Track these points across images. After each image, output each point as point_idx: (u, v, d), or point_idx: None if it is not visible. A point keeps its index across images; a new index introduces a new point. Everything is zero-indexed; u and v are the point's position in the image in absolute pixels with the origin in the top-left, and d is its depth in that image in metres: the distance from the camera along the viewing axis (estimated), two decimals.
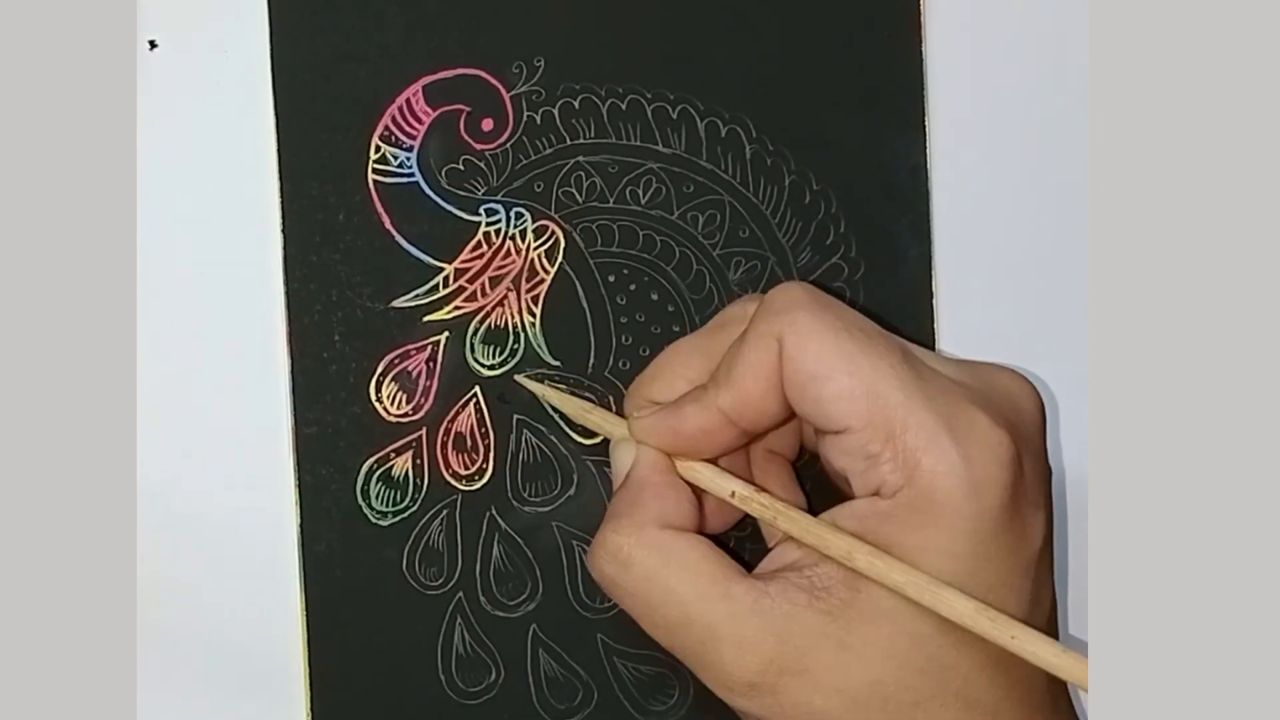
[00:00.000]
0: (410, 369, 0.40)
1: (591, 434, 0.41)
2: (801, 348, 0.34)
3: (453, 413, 0.40)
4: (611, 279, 0.41)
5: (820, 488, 0.39)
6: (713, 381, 0.36)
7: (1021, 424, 0.35)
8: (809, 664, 0.33)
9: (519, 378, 0.40)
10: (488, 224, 0.41)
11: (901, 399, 0.33)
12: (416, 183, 0.40)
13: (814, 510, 0.36)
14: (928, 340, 0.43)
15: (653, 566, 0.35)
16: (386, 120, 0.40)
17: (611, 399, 0.41)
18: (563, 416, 0.41)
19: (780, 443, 0.39)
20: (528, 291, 0.41)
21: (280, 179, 0.40)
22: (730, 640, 0.34)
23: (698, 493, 0.37)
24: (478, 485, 0.41)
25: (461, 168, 0.40)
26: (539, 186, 0.41)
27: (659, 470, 0.37)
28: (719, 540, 0.36)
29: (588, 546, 0.40)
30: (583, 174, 0.41)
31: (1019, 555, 0.34)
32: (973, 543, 0.33)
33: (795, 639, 0.33)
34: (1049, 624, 0.35)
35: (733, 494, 0.36)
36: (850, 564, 0.33)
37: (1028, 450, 0.34)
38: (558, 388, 0.40)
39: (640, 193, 0.41)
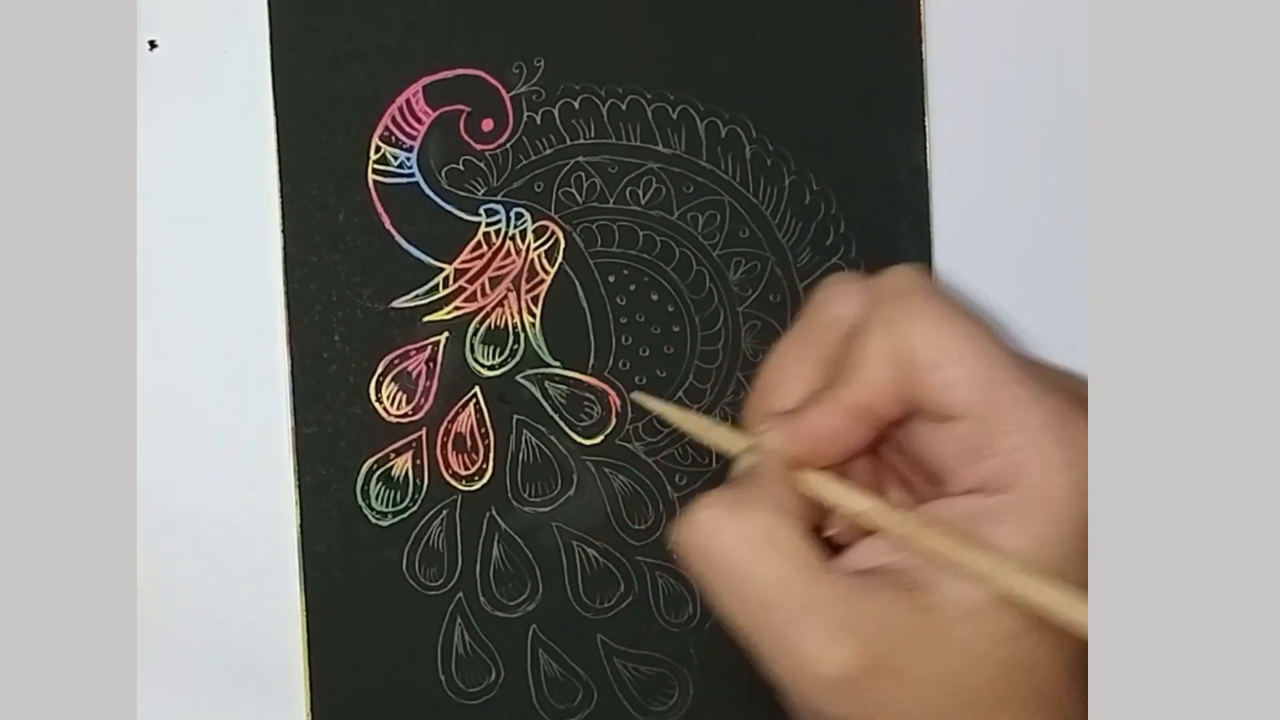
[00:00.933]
0: (410, 369, 0.40)
1: (592, 434, 0.41)
2: (922, 333, 0.33)
3: (453, 413, 0.40)
4: (611, 279, 0.41)
5: None
6: (840, 379, 0.35)
7: None
8: (900, 661, 0.32)
9: (637, 397, 0.40)
10: (488, 224, 0.41)
11: (1016, 394, 0.33)
12: (416, 183, 0.40)
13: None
14: None
15: (743, 539, 0.33)
16: (386, 120, 0.40)
17: (613, 398, 0.41)
18: (563, 416, 0.41)
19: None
20: (528, 292, 0.41)
21: (280, 179, 0.40)
22: (817, 630, 0.32)
23: (817, 506, 0.35)
24: (478, 485, 0.41)
25: (461, 168, 0.40)
26: (539, 187, 0.41)
27: (774, 466, 0.35)
28: None
29: (588, 547, 0.40)
30: (583, 174, 0.41)
31: None
32: (1078, 543, 0.32)
33: (888, 635, 0.32)
34: None
35: (860, 513, 0.34)
36: (993, 583, 0.32)
37: None
38: (679, 406, 0.40)
39: (640, 193, 0.41)
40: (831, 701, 0.33)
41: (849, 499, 0.35)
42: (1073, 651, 0.33)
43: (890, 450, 0.37)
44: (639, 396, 0.40)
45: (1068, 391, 0.34)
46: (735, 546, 0.33)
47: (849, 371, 0.34)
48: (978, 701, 0.32)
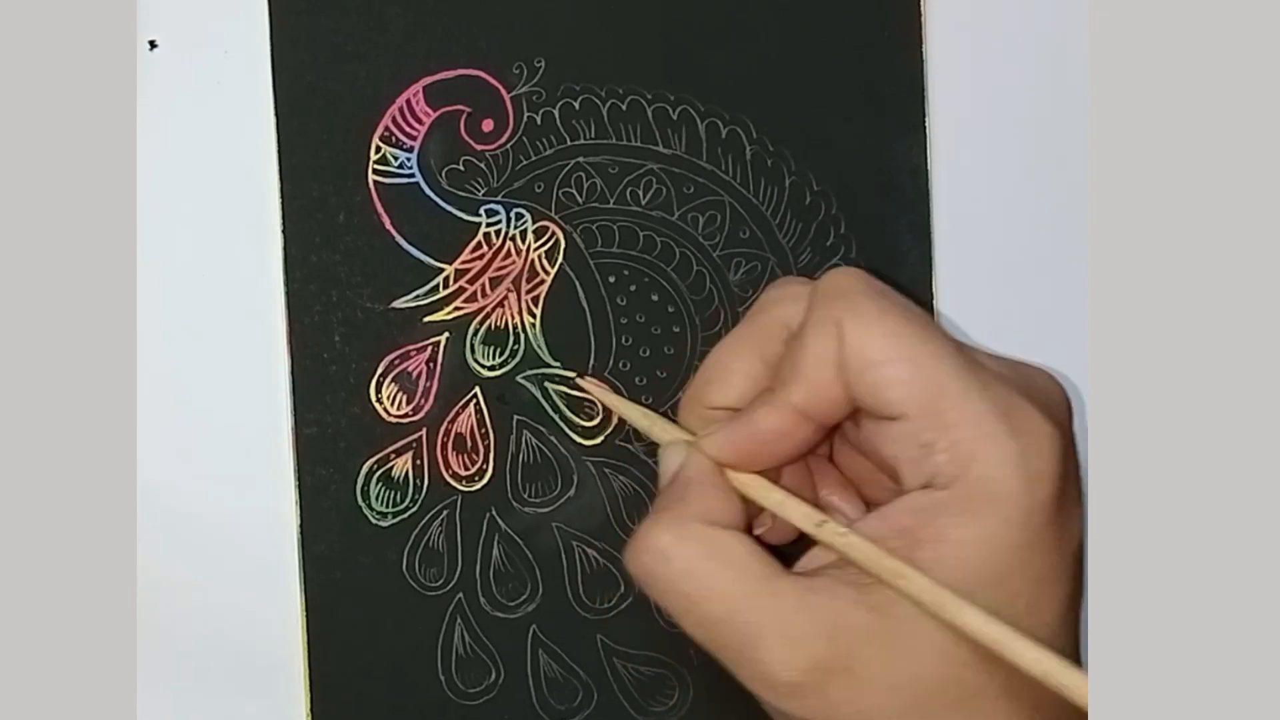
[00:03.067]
0: (410, 370, 0.40)
1: (592, 435, 0.41)
2: (862, 332, 0.34)
3: (453, 413, 0.40)
4: (612, 280, 0.41)
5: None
6: (779, 380, 0.35)
7: (1062, 420, 0.35)
8: (856, 662, 0.33)
9: (583, 383, 0.40)
10: (488, 225, 0.41)
11: (960, 388, 0.33)
12: (417, 183, 0.40)
13: (865, 501, 0.35)
14: None
15: (695, 561, 0.34)
16: (387, 121, 0.40)
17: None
18: (563, 417, 0.41)
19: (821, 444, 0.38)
20: (528, 292, 0.41)
21: (280, 179, 0.40)
22: (776, 637, 0.33)
23: (749, 504, 0.36)
24: (478, 486, 0.41)
25: (462, 168, 0.40)
26: (539, 187, 0.41)
27: (704, 471, 0.36)
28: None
29: (588, 547, 0.40)
30: (583, 175, 0.41)
31: (1063, 550, 0.33)
32: (1026, 534, 0.32)
33: (844, 636, 0.33)
34: (1080, 619, 0.35)
35: (819, 525, 0.34)
36: (919, 603, 0.32)
37: (1070, 446, 0.34)
38: (623, 396, 0.40)
39: (640, 193, 0.41)
40: (794, 705, 0.33)
41: (784, 510, 0.35)
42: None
43: (850, 451, 0.37)
44: (586, 383, 0.40)
45: (1015, 382, 0.34)
46: (687, 569, 0.34)
47: (791, 373, 0.35)
48: (943, 697, 0.33)
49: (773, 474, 0.36)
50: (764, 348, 0.36)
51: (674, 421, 0.38)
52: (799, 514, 0.35)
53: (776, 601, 0.33)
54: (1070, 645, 0.34)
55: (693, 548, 0.34)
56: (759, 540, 0.35)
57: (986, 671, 0.33)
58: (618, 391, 0.41)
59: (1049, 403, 0.34)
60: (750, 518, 0.36)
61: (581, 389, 0.40)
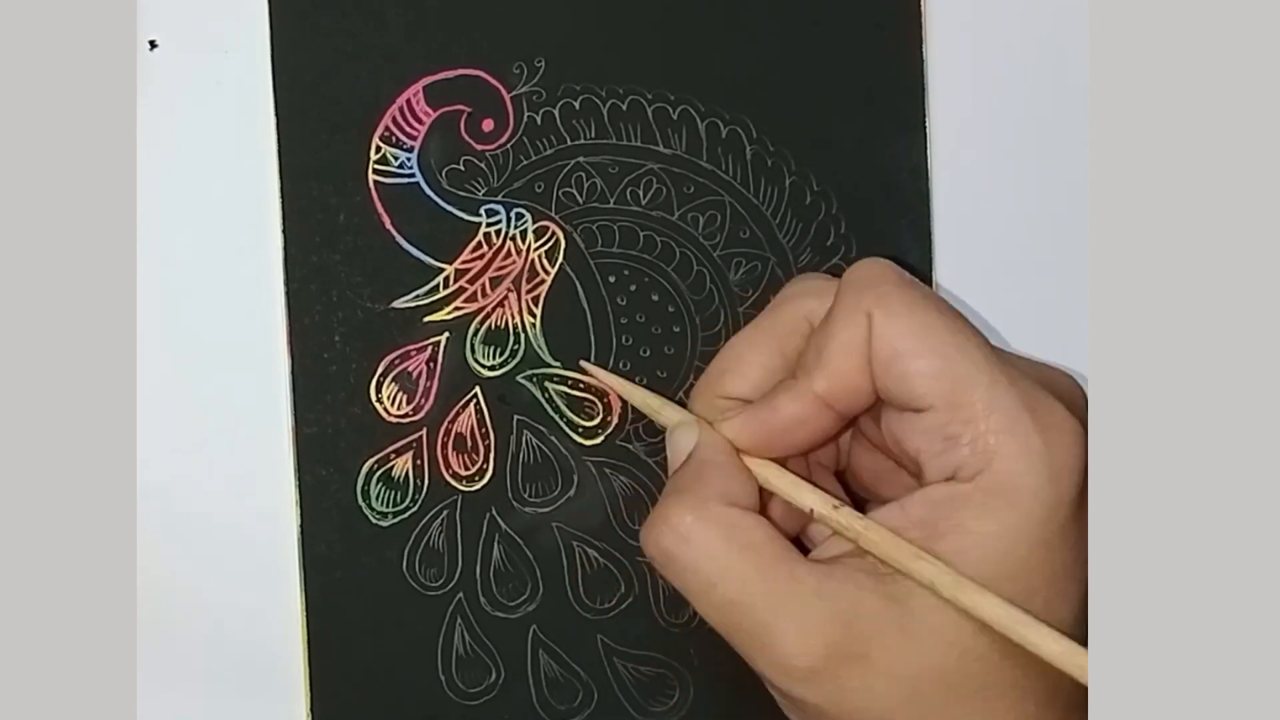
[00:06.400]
0: (410, 369, 0.40)
1: (592, 435, 0.41)
2: (891, 323, 0.33)
3: (453, 413, 0.40)
4: (612, 280, 0.41)
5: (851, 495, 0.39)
6: (802, 368, 0.35)
7: (1084, 419, 0.35)
8: (872, 649, 0.33)
9: (586, 365, 0.40)
10: (488, 225, 0.41)
11: (987, 381, 0.33)
12: (417, 183, 0.40)
13: (881, 502, 0.35)
14: None
15: (715, 542, 0.33)
16: (387, 120, 0.40)
17: (613, 397, 0.41)
18: (563, 417, 0.41)
19: (826, 455, 0.38)
20: (528, 292, 0.41)
21: (280, 179, 0.40)
22: (793, 622, 0.33)
23: (765, 495, 0.36)
24: (478, 486, 0.41)
25: (462, 168, 0.40)
26: (539, 187, 0.41)
27: (724, 452, 0.35)
28: None
29: (588, 547, 0.40)
30: (583, 174, 0.41)
31: (1082, 548, 0.33)
32: (1048, 529, 0.32)
33: (859, 624, 0.33)
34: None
35: (811, 510, 0.35)
36: (935, 590, 0.33)
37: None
38: (631, 381, 0.40)
39: (641, 193, 0.41)
40: (808, 691, 0.33)
41: (798, 494, 0.35)
42: None
43: (867, 449, 0.37)
44: (589, 365, 0.40)
45: (1039, 379, 0.34)
46: (705, 550, 0.33)
47: (816, 360, 0.34)
48: (958, 688, 0.33)
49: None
50: (783, 341, 0.36)
51: (683, 406, 0.38)
52: (814, 498, 0.35)
53: (794, 586, 0.33)
54: (1084, 642, 0.34)
55: (713, 529, 0.33)
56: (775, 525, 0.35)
57: (1000, 666, 0.33)
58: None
59: (1071, 401, 0.34)
60: (763, 505, 0.36)
61: (585, 372, 0.40)
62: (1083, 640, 0.34)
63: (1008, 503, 0.33)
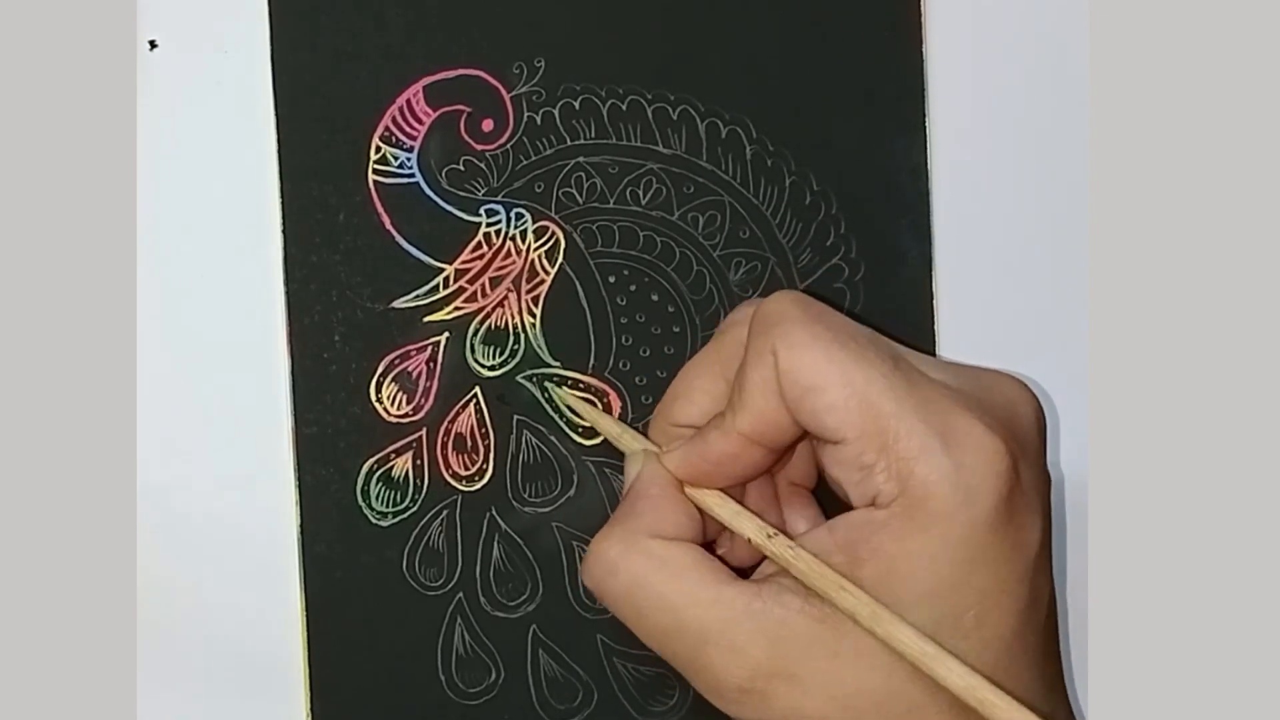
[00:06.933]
0: (410, 369, 0.40)
1: (592, 434, 0.41)
2: (794, 360, 0.34)
3: (453, 413, 0.40)
4: (612, 280, 0.41)
5: (835, 509, 0.39)
6: (729, 406, 0.36)
7: (1019, 430, 0.35)
8: (800, 670, 0.33)
9: (559, 391, 0.41)
10: (488, 224, 0.41)
11: (894, 409, 0.33)
12: (417, 183, 0.40)
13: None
14: (928, 341, 0.43)
15: (640, 572, 0.35)
16: (387, 120, 0.40)
17: (613, 398, 0.41)
18: (563, 417, 0.41)
19: (800, 473, 0.39)
20: (528, 292, 0.41)
21: (280, 179, 0.40)
22: (721, 644, 0.34)
23: (706, 518, 0.37)
24: (478, 486, 0.41)
25: (462, 168, 0.40)
26: (539, 187, 0.41)
27: (657, 484, 0.36)
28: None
29: (588, 547, 0.40)
30: (583, 174, 0.41)
31: (1014, 561, 0.34)
32: (967, 549, 0.33)
33: (787, 644, 0.33)
34: (1046, 627, 0.35)
35: (769, 537, 0.35)
36: (855, 619, 0.33)
37: (1025, 456, 0.34)
38: (582, 396, 0.40)
39: (640, 193, 0.41)
40: (742, 710, 0.34)
41: (738, 522, 0.36)
42: (985, 661, 0.33)
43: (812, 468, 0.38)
44: (563, 392, 0.40)
45: (963, 394, 0.34)
46: (633, 580, 0.35)
47: (738, 400, 0.35)
48: (889, 708, 0.33)
49: (737, 491, 0.37)
50: (726, 368, 0.37)
51: (644, 434, 0.39)
52: (750, 527, 0.36)
53: (721, 610, 0.34)
54: (1033, 651, 0.34)
55: (639, 560, 0.35)
56: (717, 556, 0.36)
57: (932, 686, 0.33)
58: (617, 392, 0.41)
59: (1007, 413, 0.35)
60: (714, 534, 0.37)
61: (567, 396, 0.41)
62: (1033, 650, 0.34)
63: (922, 526, 0.33)
